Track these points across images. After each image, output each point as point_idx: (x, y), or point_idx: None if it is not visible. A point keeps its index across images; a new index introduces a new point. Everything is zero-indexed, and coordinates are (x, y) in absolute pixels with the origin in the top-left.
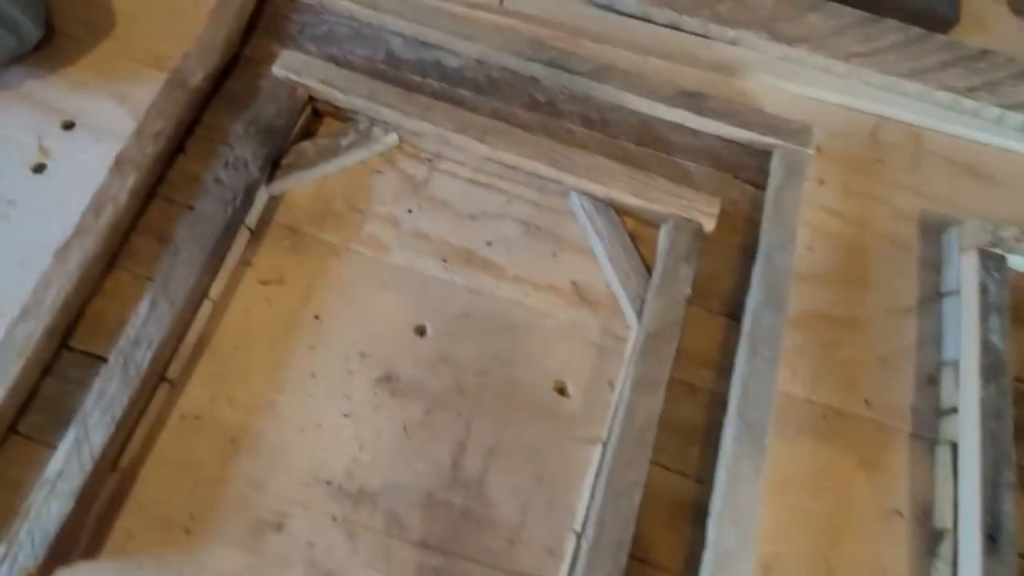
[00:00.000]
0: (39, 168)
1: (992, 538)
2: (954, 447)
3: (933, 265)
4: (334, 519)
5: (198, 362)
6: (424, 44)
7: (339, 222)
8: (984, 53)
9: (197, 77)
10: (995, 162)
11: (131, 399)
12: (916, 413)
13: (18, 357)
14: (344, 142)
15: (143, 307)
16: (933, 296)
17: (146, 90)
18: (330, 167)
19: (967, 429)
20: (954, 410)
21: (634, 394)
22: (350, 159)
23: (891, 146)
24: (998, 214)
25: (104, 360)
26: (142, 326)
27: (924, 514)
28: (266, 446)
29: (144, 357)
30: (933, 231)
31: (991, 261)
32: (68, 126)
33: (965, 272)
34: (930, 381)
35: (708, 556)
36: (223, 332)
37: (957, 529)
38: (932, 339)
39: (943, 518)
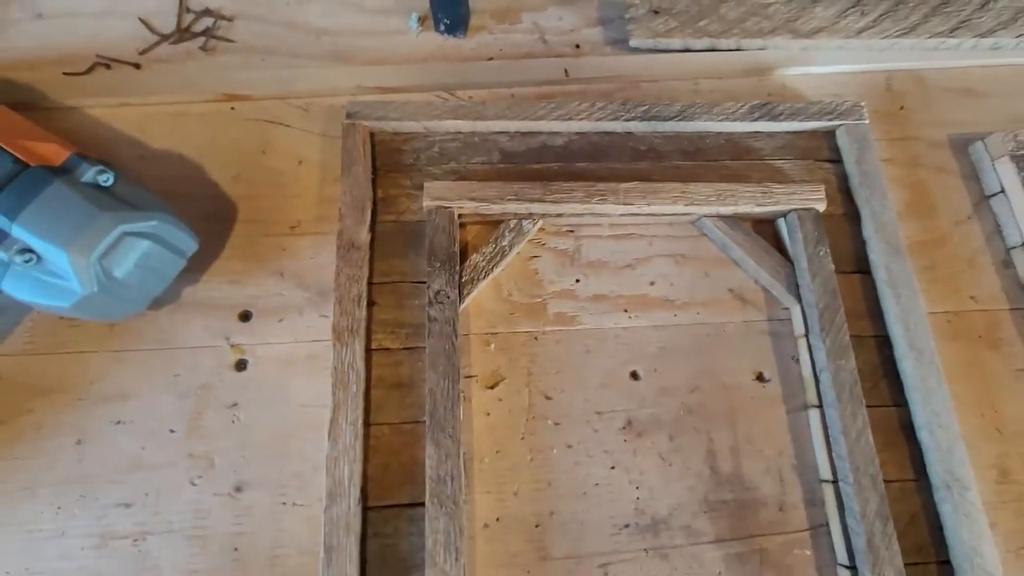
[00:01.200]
0: (241, 365)
1: None
2: None
3: (972, 176)
4: (646, 552)
5: (474, 475)
6: (528, 134)
7: (526, 312)
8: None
9: (362, 233)
10: (981, 80)
11: (457, 531)
12: (1006, 292)
13: (347, 535)
14: (505, 244)
15: (430, 448)
16: (981, 200)
17: (296, 259)
18: (498, 269)
19: None
20: None
21: (831, 360)
22: (511, 256)
23: (904, 93)
24: (997, 119)
25: (412, 506)
26: (438, 465)
27: None
28: (565, 519)
29: (454, 490)
30: (961, 149)
31: (1021, 162)
32: (245, 317)
33: (1005, 176)
34: (1006, 265)
35: (929, 457)
36: (479, 442)
37: None
38: (994, 233)
39: None
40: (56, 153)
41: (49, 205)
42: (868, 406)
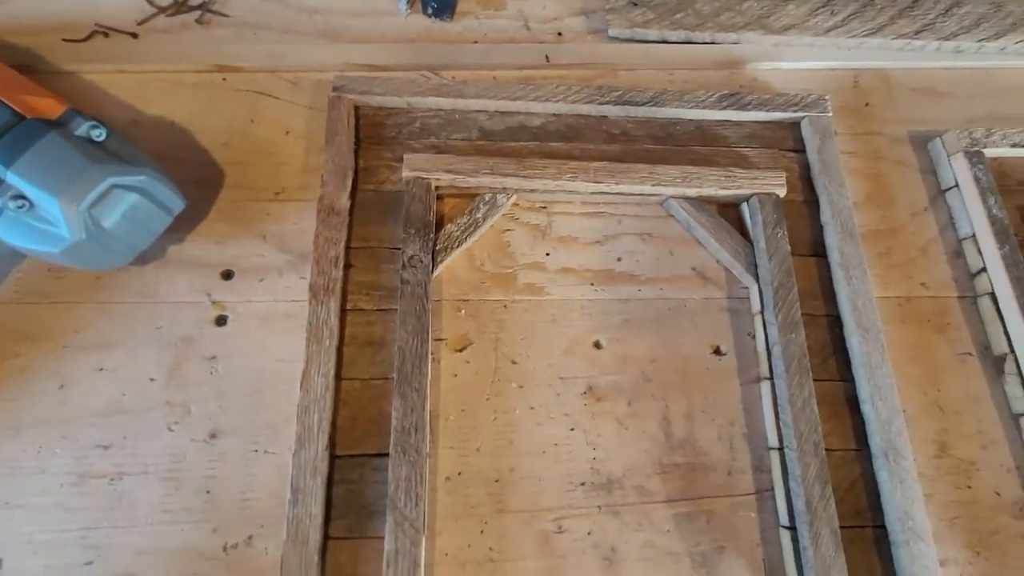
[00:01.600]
0: (221, 320)
1: None
2: (991, 296)
3: (929, 170)
4: (599, 509)
5: (439, 431)
6: (506, 113)
7: (497, 282)
8: (916, 2)
9: (342, 199)
10: (944, 81)
11: (419, 478)
12: (956, 281)
13: (313, 478)
14: (479, 216)
15: (397, 400)
16: (937, 194)
17: (279, 223)
18: (472, 239)
19: (999, 280)
20: (982, 270)
21: (782, 335)
22: (485, 227)
23: (870, 90)
24: (957, 119)
25: (378, 456)
26: (403, 417)
27: (986, 349)
28: (524, 476)
29: (418, 441)
30: (921, 145)
31: (975, 157)
32: (227, 276)
33: (959, 171)
34: (957, 255)
35: (870, 428)
36: (445, 401)
37: (1013, 350)
38: (947, 225)
39: (1000, 346)
40: (52, 107)
41: (43, 155)
42: (817, 380)
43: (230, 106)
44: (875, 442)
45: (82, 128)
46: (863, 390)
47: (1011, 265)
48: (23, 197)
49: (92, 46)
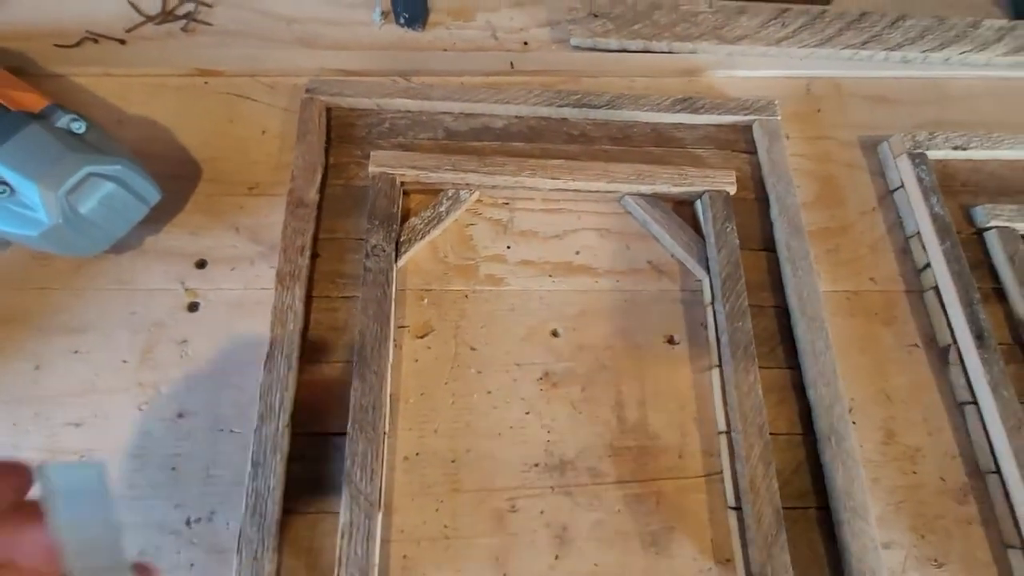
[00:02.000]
0: (193, 307)
1: (980, 337)
2: (935, 290)
3: (878, 172)
4: (552, 488)
5: (399, 413)
6: (471, 115)
7: (459, 273)
8: (863, 15)
9: (310, 193)
10: (892, 89)
11: (375, 455)
12: (903, 276)
13: (273, 454)
14: (442, 210)
15: (356, 381)
16: (885, 194)
17: (252, 216)
18: (435, 232)
19: (942, 275)
20: (927, 266)
21: (729, 323)
22: (448, 221)
23: (822, 97)
24: (904, 124)
25: (337, 435)
26: (361, 396)
27: (931, 340)
28: (480, 456)
29: (375, 419)
30: (870, 148)
31: (918, 159)
32: (201, 265)
33: (903, 172)
34: (904, 251)
35: (815, 413)
36: (405, 384)
37: (956, 341)
38: (895, 223)
39: (944, 338)
40: (35, 102)
41: (25, 144)
42: (765, 368)
43: (210, 108)
44: (819, 426)
45: (63, 120)
46: (808, 376)
47: (952, 260)
48: (4, 183)
49: (82, 51)
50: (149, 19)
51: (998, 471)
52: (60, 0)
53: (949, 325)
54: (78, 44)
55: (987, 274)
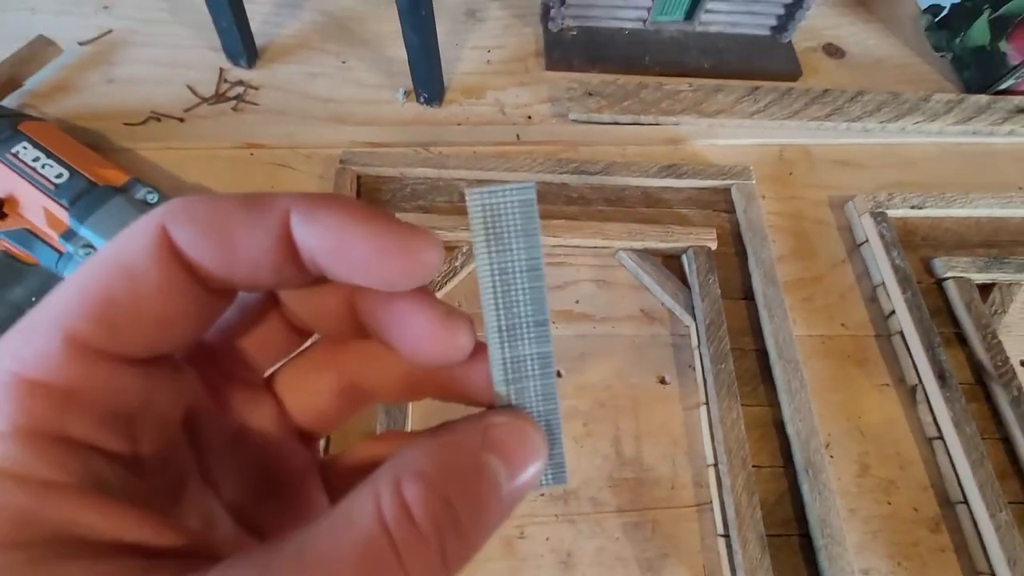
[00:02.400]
0: None
1: (942, 377)
2: (901, 335)
3: (846, 228)
4: (557, 517)
5: None
6: (482, 181)
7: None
8: (825, 91)
9: None
10: (855, 155)
11: None
12: (872, 322)
13: None
14: (457, 264)
15: (380, 415)
16: (853, 248)
17: None
18: (451, 284)
19: (905, 321)
20: (892, 312)
21: (714, 365)
22: (463, 274)
23: (793, 161)
24: (868, 185)
25: None
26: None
27: (900, 380)
28: None
29: None
30: (838, 206)
31: (879, 217)
32: None
33: (867, 228)
34: (872, 299)
35: (793, 447)
36: (422, 418)
37: (922, 381)
38: (863, 274)
39: (912, 378)
40: (117, 176)
41: (110, 214)
42: (748, 405)
43: (256, 175)
44: (797, 459)
45: (140, 193)
46: (786, 413)
47: (913, 308)
48: (91, 246)
49: (146, 128)
50: (204, 100)
51: (966, 502)
52: (129, 86)
53: (915, 366)
54: (143, 122)
55: (948, 320)
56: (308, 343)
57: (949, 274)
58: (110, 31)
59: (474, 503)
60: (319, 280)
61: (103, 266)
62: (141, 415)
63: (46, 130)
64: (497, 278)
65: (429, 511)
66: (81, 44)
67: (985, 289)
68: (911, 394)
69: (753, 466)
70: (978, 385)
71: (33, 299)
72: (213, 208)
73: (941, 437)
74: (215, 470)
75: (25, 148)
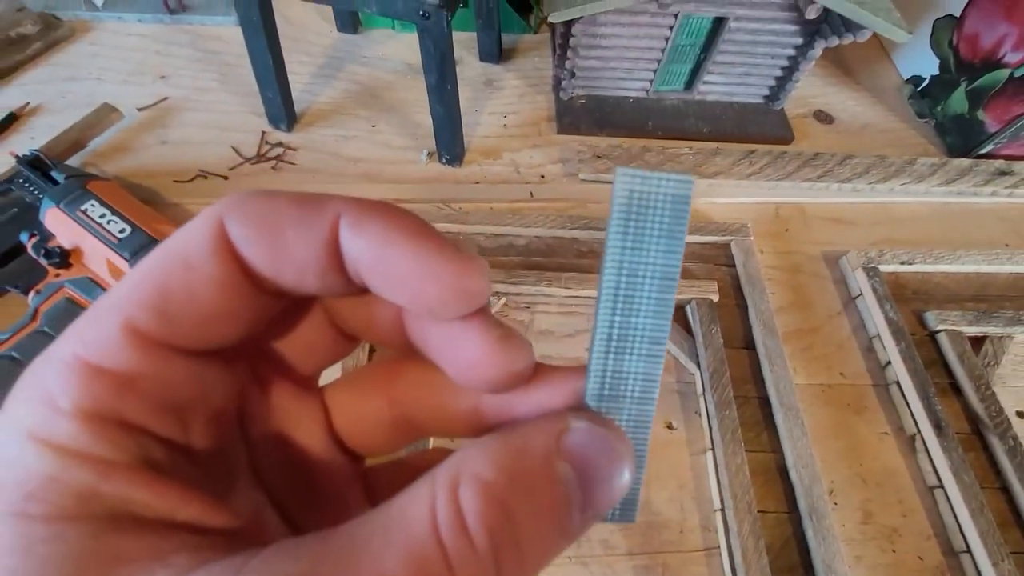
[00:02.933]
0: None
1: (938, 427)
2: (898, 384)
3: (841, 281)
4: (569, 559)
5: None
6: (499, 235)
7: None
8: (817, 155)
9: None
10: (847, 212)
11: None
12: (870, 372)
13: None
14: None
15: None
16: (848, 300)
17: None
18: None
19: (901, 372)
20: (888, 363)
21: (718, 411)
22: None
23: (788, 218)
24: (860, 241)
25: None
26: None
27: (899, 429)
28: None
29: None
30: (832, 261)
31: (871, 272)
32: None
33: (861, 283)
34: (869, 349)
35: (797, 492)
36: None
37: (920, 431)
38: (859, 325)
39: (910, 427)
40: (173, 231)
41: None
42: (751, 451)
43: None
44: (801, 504)
45: None
46: (789, 459)
47: (907, 359)
48: None
49: (194, 185)
50: (247, 160)
51: (969, 551)
52: (180, 147)
53: (912, 416)
54: (192, 180)
55: (943, 371)
56: (356, 353)
57: (941, 327)
58: (166, 98)
59: (539, 519)
60: (363, 291)
61: (165, 256)
62: (193, 406)
63: (111, 189)
64: (624, 278)
65: (486, 522)
66: (140, 110)
67: (977, 341)
68: (910, 443)
69: (759, 511)
70: (975, 435)
71: None
72: (267, 205)
73: (941, 486)
74: (263, 467)
75: (93, 206)
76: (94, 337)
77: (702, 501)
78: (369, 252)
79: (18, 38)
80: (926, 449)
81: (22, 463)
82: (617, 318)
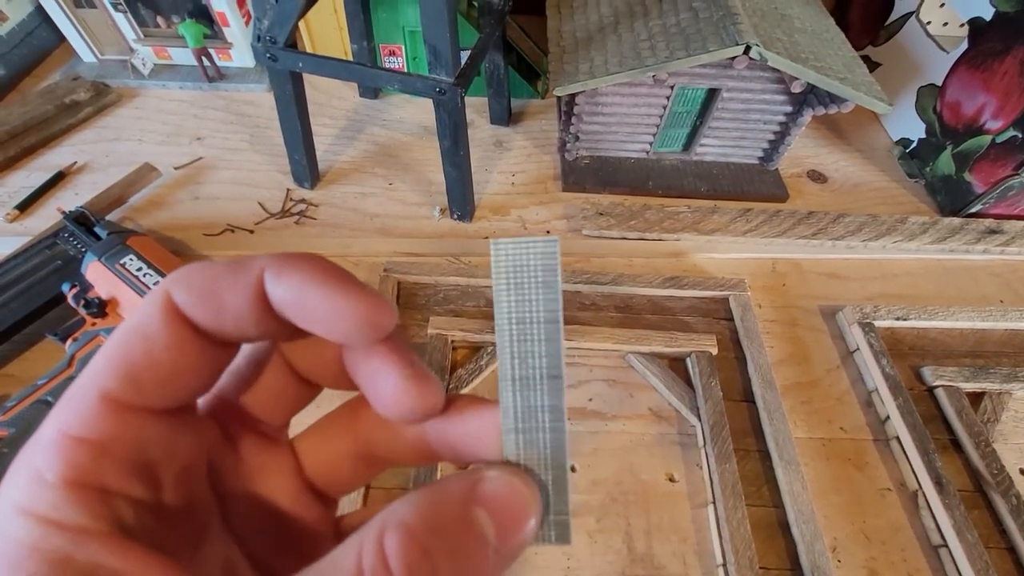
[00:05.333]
0: None
1: (939, 484)
2: (898, 440)
3: (839, 336)
4: None
5: None
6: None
7: None
8: (811, 213)
9: None
10: (842, 268)
11: None
12: (870, 426)
13: None
14: (482, 363)
15: None
16: (846, 354)
17: None
18: (476, 381)
19: (900, 428)
20: (888, 418)
21: (719, 464)
22: (487, 372)
23: (785, 274)
24: (855, 296)
25: None
26: None
27: (901, 485)
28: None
29: None
30: (829, 315)
31: (867, 328)
32: None
33: (857, 338)
34: (868, 404)
35: (799, 549)
36: None
37: (922, 487)
38: (858, 379)
39: (912, 483)
40: None
41: None
42: (752, 506)
43: None
44: (803, 561)
45: None
46: (790, 515)
47: (906, 414)
48: None
49: (222, 238)
50: (272, 215)
51: None
52: (210, 202)
53: (913, 472)
54: (220, 233)
55: (943, 426)
56: (322, 398)
57: (938, 382)
58: (200, 158)
59: (457, 556)
60: (297, 332)
61: (126, 332)
62: (165, 463)
63: (147, 243)
64: (515, 327)
65: (406, 562)
66: (176, 168)
67: (976, 397)
68: (913, 499)
69: (760, 567)
70: (978, 492)
71: None
72: (205, 272)
73: (946, 545)
74: (235, 520)
75: (131, 259)
76: (75, 410)
77: (704, 555)
78: (289, 295)
79: (72, 104)
80: (928, 506)
81: (9, 534)
82: (516, 361)
